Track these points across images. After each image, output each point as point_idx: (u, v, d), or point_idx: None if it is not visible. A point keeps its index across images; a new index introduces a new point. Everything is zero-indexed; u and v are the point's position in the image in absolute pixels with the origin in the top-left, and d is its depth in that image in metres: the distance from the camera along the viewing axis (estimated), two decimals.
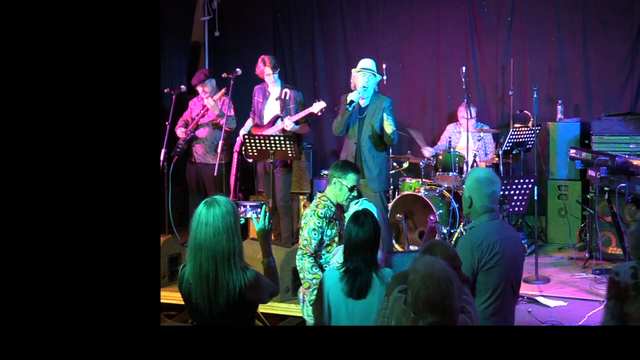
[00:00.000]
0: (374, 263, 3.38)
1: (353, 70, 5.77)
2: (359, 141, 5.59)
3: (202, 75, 6.55)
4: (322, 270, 4.16)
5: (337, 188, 4.24)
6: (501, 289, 3.50)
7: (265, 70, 6.18)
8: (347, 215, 4.03)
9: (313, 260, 4.16)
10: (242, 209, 3.27)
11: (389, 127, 5.44)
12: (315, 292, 4.13)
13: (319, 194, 4.36)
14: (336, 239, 4.24)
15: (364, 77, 5.59)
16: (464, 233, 6.25)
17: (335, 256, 4.03)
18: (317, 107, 5.97)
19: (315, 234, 4.16)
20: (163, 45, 7.51)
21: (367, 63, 5.66)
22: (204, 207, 2.96)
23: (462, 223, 6.30)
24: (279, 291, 3.26)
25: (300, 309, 4.31)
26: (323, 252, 4.23)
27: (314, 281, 4.12)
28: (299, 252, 4.21)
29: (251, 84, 6.61)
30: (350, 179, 4.23)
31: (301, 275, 4.23)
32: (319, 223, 4.17)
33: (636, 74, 6.82)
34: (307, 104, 6.24)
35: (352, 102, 5.48)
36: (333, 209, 4.25)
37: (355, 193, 4.31)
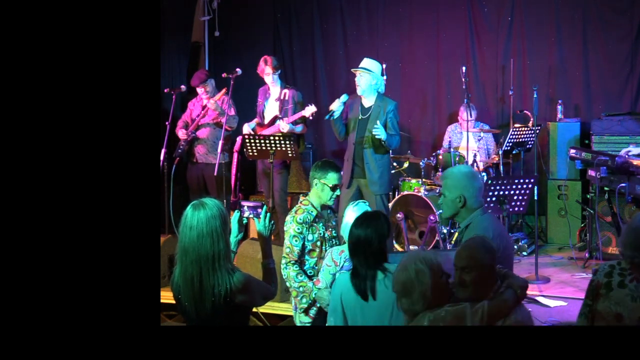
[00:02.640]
0: (377, 264, 3.27)
1: (353, 70, 5.77)
2: (361, 143, 5.56)
3: (204, 75, 6.56)
4: (308, 277, 4.05)
5: (319, 189, 4.13)
6: None
7: (266, 69, 6.19)
8: (345, 219, 3.99)
9: (298, 268, 4.05)
10: (242, 209, 3.25)
11: (382, 134, 5.40)
12: (304, 299, 4.05)
13: (301, 198, 4.27)
14: (318, 243, 4.13)
15: (357, 77, 5.59)
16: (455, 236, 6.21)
17: (325, 259, 3.97)
18: (308, 111, 5.98)
19: (296, 241, 4.06)
20: (163, 45, 7.50)
21: (365, 62, 5.63)
22: (190, 210, 2.94)
23: None
24: (275, 294, 3.22)
25: (293, 316, 4.26)
26: (307, 257, 4.13)
27: (301, 289, 4.02)
28: (283, 260, 4.09)
29: (251, 84, 6.62)
30: (331, 178, 4.11)
31: (288, 284, 4.13)
32: (298, 229, 4.06)
33: (636, 74, 6.83)
34: (305, 104, 6.26)
35: (332, 112, 5.48)
36: (314, 213, 4.12)
37: (339, 192, 4.19)
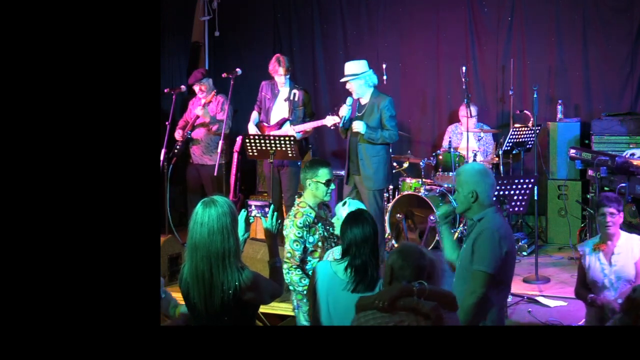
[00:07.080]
0: (378, 256, 3.32)
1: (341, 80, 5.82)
2: (357, 138, 5.62)
3: (199, 74, 6.56)
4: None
5: (313, 188, 4.16)
6: (509, 280, 3.56)
7: (279, 70, 6.17)
8: (337, 220, 3.98)
9: (301, 272, 4.09)
10: (249, 208, 3.26)
11: (360, 128, 5.53)
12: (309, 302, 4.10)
13: (297, 201, 4.28)
14: (320, 243, 4.15)
15: (348, 85, 5.68)
16: (464, 230, 6.24)
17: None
18: (330, 121, 5.88)
19: (297, 245, 4.08)
20: (163, 45, 7.51)
21: (348, 69, 5.69)
22: (200, 207, 2.96)
23: (462, 223, 6.30)
24: (282, 292, 3.24)
25: (296, 315, 4.27)
26: (309, 258, 4.15)
27: (305, 292, 4.02)
28: (285, 265, 4.08)
29: (251, 84, 6.63)
30: (322, 174, 4.14)
31: (291, 288, 4.15)
32: (299, 233, 4.08)
33: (636, 74, 6.83)
34: (313, 106, 6.24)
35: (344, 118, 5.62)
36: (312, 214, 4.15)
37: (333, 186, 4.22)
